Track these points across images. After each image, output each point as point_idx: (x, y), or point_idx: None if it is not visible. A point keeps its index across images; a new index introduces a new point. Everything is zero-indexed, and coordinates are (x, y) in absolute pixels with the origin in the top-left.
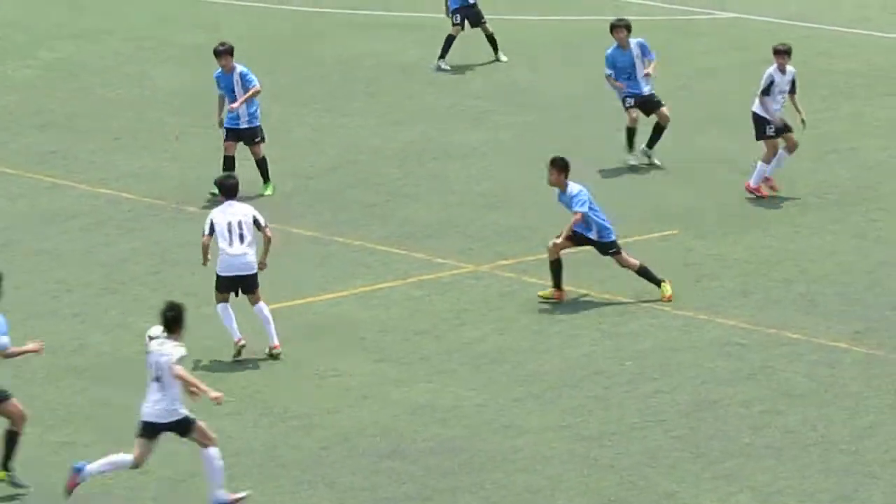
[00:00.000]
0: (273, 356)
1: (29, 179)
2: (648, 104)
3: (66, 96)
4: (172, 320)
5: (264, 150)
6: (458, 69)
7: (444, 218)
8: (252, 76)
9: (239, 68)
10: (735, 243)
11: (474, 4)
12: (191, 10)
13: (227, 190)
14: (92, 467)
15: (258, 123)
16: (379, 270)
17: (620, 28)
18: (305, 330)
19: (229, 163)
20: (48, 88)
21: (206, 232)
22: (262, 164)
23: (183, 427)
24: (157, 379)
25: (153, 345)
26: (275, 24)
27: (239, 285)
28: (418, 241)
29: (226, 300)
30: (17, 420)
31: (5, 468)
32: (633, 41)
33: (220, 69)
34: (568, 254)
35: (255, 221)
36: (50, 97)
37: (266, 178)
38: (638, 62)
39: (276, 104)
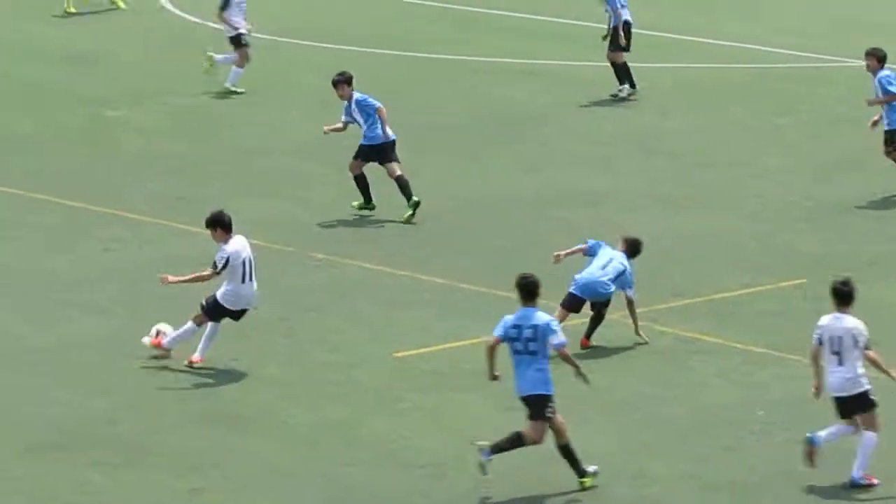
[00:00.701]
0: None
1: (157, 225)
2: None
3: (195, 142)
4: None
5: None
6: (587, 114)
7: (573, 264)
8: (371, 99)
9: (356, 95)
10: (867, 291)
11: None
12: (319, 57)
13: (227, 224)
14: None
15: (386, 140)
16: None
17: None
18: (433, 378)
19: (360, 182)
20: (178, 134)
21: (220, 267)
22: (401, 182)
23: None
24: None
25: None
26: (404, 70)
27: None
28: (547, 287)
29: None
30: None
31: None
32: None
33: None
34: (702, 303)
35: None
36: (179, 143)
37: (408, 198)
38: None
39: (407, 150)
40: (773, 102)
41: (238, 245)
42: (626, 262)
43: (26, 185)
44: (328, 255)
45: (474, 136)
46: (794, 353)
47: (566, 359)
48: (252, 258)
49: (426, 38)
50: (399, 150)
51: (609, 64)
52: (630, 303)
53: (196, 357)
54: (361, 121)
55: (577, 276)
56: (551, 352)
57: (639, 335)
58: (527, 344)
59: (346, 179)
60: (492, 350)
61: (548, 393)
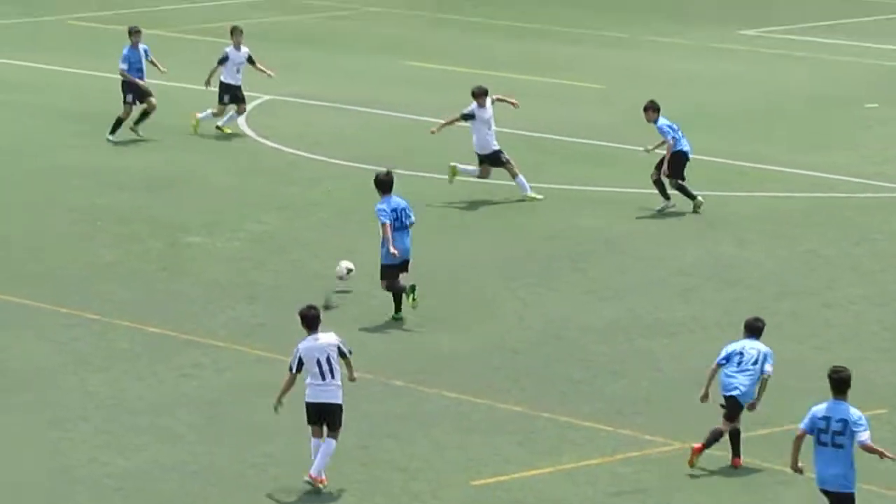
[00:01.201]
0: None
1: (236, 352)
2: None
3: (273, 268)
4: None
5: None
6: (665, 244)
7: (652, 395)
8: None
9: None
10: None
11: None
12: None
13: (309, 320)
14: None
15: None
16: (585, 447)
17: None
18: None
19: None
20: (256, 261)
21: (293, 367)
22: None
23: None
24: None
25: None
26: (478, 197)
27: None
28: (626, 417)
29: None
30: None
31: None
32: None
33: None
34: (783, 433)
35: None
36: (258, 269)
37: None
38: None
39: (485, 278)
40: (849, 231)
41: (310, 342)
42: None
43: (108, 311)
44: (406, 382)
45: (550, 264)
46: (892, 489)
47: (871, 451)
48: (332, 356)
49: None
50: (476, 278)
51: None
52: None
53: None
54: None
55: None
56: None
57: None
58: (834, 437)
59: (431, 305)
60: (798, 441)
61: (852, 492)
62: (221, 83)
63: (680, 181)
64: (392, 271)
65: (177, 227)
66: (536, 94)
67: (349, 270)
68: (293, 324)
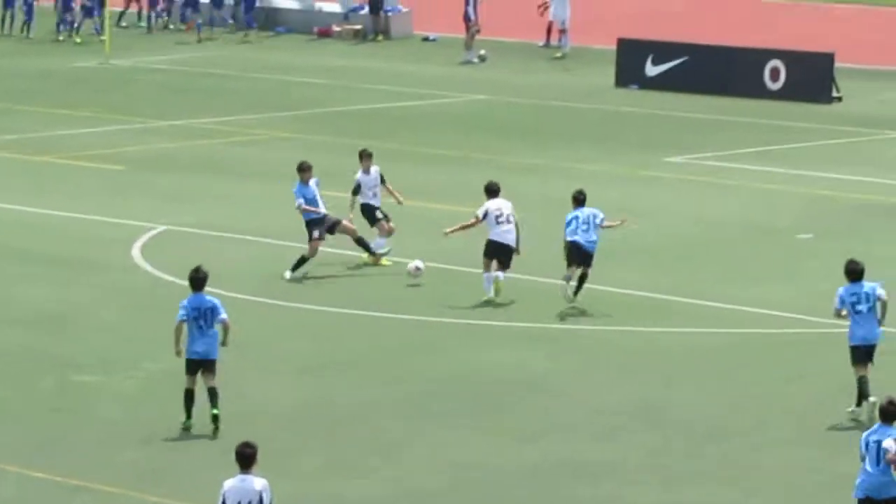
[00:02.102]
0: None
1: (131, 499)
2: None
3: (170, 410)
4: None
5: None
6: (587, 381)
7: None
8: None
9: None
10: None
11: None
12: (298, 319)
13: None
14: None
15: None
16: None
17: None
18: None
19: None
20: (152, 401)
21: None
22: None
23: None
24: None
25: None
26: (388, 336)
27: None
28: None
29: None
30: None
31: None
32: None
33: None
34: None
35: None
36: (154, 410)
37: None
38: None
39: (394, 419)
40: (780, 369)
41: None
42: None
43: None
44: None
45: (467, 403)
46: None
47: None
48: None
49: (407, 298)
50: (389, 418)
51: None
52: None
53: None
54: None
55: None
56: None
57: None
58: None
59: (334, 449)
60: None
61: None
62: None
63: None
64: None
65: (68, 364)
66: (453, 223)
67: (418, 268)
68: (191, 468)
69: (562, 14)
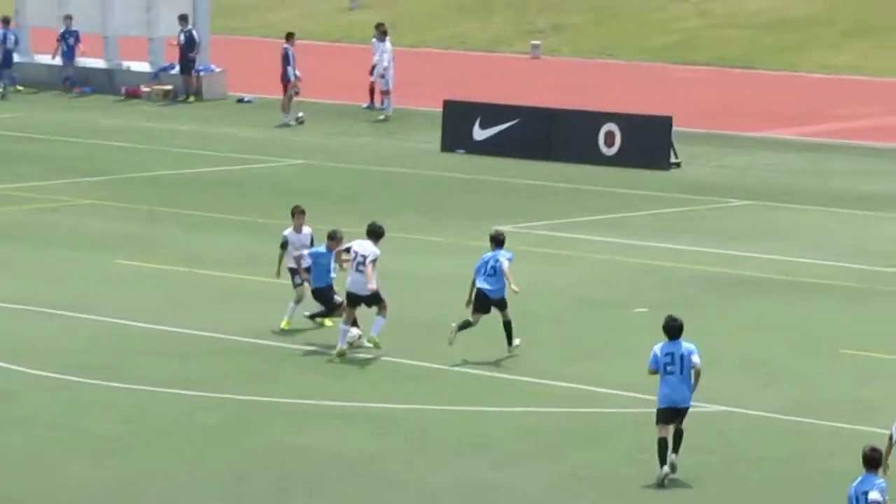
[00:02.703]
0: None
1: None
2: None
3: None
4: None
5: None
6: (413, 465)
7: None
8: None
9: None
10: None
11: None
12: (110, 398)
13: None
14: None
15: None
16: None
17: None
18: None
19: None
20: None
21: None
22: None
23: None
24: None
25: None
26: (204, 413)
27: None
28: None
29: None
30: None
31: None
32: None
33: None
34: None
35: None
36: None
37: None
38: None
39: (205, 502)
40: (603, 451)
41: None
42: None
43: None
44: None
45: (284, 489)
46: None
47: None
48: None
49: (216, 375)
50: (198, 502)
51: None
52: None
53: None
54: None
55: None
56: None
57: None
58: None
59: None
60: None
61: None
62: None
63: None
64: None
65: None
66: (257, 294)
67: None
68: None
69: (385, 74)
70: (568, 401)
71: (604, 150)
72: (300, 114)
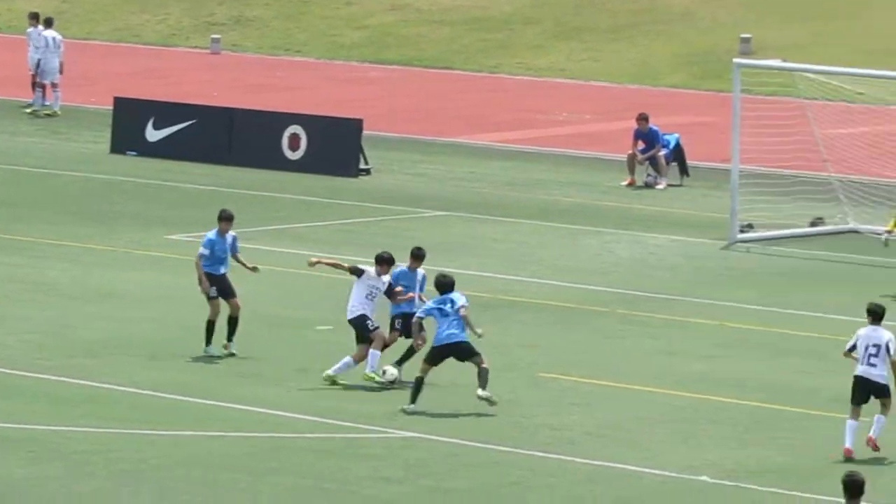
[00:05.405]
0: None
1: None
2: None
3: None
4: None
5: None
6: (68, 495)
7: None
8: None
9: None
10: None
11: None
12: None
13: None
14: None
15: None
16: None
17: None
18: None
19: None
20: None
21: None
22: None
23: None
24: None
25: None
26: None
27: None
28: None
29: None
30: None
31: None
32: None
33: None
34: None
35: None
36: None
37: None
38: None
39: None
40: (299, 478)
41: None
42: None
43: None
44: None
45: None
46: None
47: None
48: None
49: None
50: None
51: None
52: None
53: None
54: None
55: None
56: None
57: None
58: None
59: None
60: None
61: None
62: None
63: None
64: None
65: None
66: None
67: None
68: None
69: (51, 67)
70: (243, 424)
71: (288, 154)
72: None
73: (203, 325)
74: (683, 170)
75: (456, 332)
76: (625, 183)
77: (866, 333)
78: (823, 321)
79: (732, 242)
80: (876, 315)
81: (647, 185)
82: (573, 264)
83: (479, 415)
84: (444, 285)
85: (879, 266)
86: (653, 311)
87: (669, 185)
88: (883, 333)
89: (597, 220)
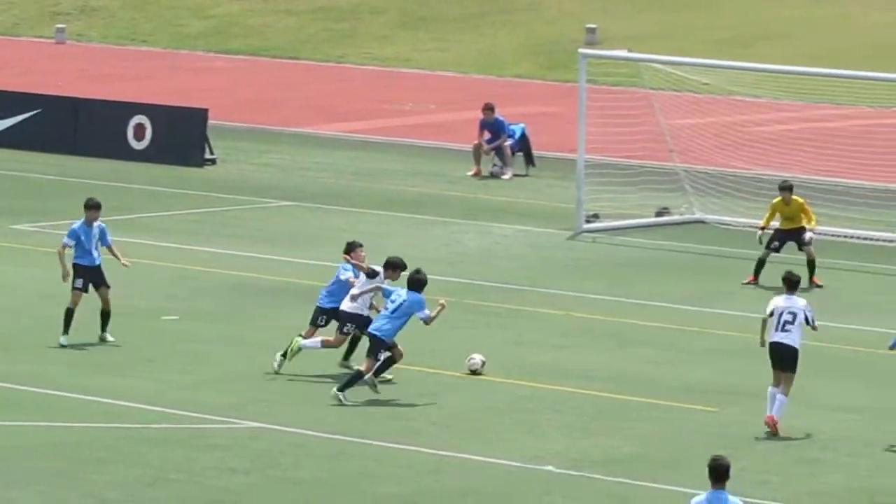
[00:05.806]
0: None
1: None
2: None
3: None
4: None
5: None
6: None
7: None
8: None
9: None
10: None
11: None
12: None
13: None
14: None
15: None
16: None
17: None
18: None
19: None
20: None
21: None
22: None
23: None
24: None
25: None
26: None
27: None
28: None
29: None
30: None
31: None
32: None
33: None
34: None
35: None
36: None
37: None
38: None
39: None
40: (140, 471)
41: None
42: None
43: None
44: None
45: None
46: None
47: None
48: None
49: None
50: None
51: None
52: None
53: None
54: None
55: None
56: None
57: None
58: None
59: None
60: None
61: None
62: None
63: None
64: None
65: None
66: None
67: (483, 363)
68: None
69: None
70: (86, 415)
71: (133, 144)
72: None
73: (62, 314)
74: (529, 160)
75: (381, 324)
76: (471, 173)
77: (782, 302)
78: (669, 311)
79: (578, 232)
80: (791, 283)
81: (494, 175)
82: (420, 254)
83: (325, 405)
84: (415, 282)
85: (725, 256)
86: (500, 301)
87: (515, 175)
88: (797, 301)
89: (443, 210)
